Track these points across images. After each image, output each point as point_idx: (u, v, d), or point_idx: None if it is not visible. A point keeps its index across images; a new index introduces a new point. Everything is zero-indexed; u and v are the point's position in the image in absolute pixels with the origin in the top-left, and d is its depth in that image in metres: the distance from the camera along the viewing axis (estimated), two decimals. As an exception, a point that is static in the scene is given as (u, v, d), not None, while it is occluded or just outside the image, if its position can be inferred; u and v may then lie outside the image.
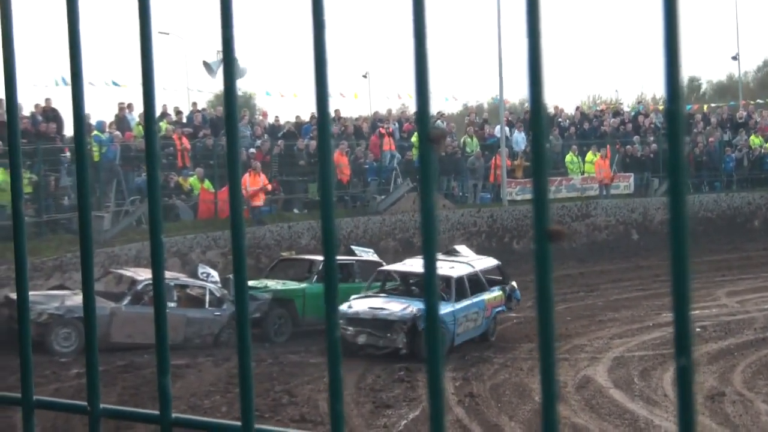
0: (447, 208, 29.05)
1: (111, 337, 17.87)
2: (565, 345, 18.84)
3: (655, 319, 21.45)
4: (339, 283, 1.59)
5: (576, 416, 14.69)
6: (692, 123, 35.10)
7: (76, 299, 18.37)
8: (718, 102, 46.37)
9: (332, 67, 1.54)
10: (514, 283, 20.83)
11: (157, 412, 1.71)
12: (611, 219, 32.27)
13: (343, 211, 27.47)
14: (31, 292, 2.11)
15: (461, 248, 22.10)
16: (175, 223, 24.43)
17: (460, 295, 19.08)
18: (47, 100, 25.88)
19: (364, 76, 48.86)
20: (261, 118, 32.89)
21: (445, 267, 19.29)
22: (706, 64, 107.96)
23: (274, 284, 20.85)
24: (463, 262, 20.42)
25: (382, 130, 30.54)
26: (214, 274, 20.74)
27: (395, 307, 18.73)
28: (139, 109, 28.06)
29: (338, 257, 1.61)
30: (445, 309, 18.12)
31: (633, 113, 38.39)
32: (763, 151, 35.82)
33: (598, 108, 42.86)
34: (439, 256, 20.14)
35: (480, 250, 24.07)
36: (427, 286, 1.41)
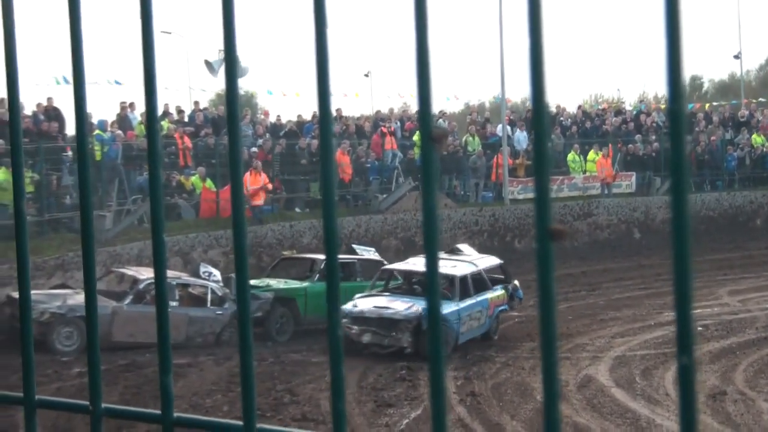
0: (449, 207, 29.05)
1: (113, 336, 17.88)
2: (567, 344, 18.83)
3: (656, 317, 21.45)
4: (341, 282, 1.58)
5: (578, 415, 14.68)
6: (694, 122, 35.10)
7: (78, 298, 18.38)
8: (720, 101, 46.35)
9: (334, 66, 1.54)
10: (516, 282, 20.82)
11: (158, 412, 1.71)
12: (613, 218, 32.26)
13: (345, 210, 27.48)
14: (32, 291, 2.11)
15: (464, 247, 22.08)
16: (177, 222, 24.44)
17: (464, 294, 19.08)
18: (49, 99, 25.90)
19: (366, 75, 48.94)
20: (263, 117, 32.93)
21: (449, 266, 19.29)
22: (708, 63, 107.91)
23: (275, 283, 20.85)
24: (466, 261, 20.41)
25: (384, 129, 30.54)
26: (216, 273, 20.75)
27: (400, 306, 18.73)
28: (141, 108, 28.07)
29: (340, 256, 1.61)
30: (449, 308, 18.14)
31: (635, 112, 38.38)
32: (765, 149, 35.80)
33: (600, 107, 42.85)
34: (442, 255, 20.20)
35: (482, 249, 24.07)
36: (430, 285, 1.41)
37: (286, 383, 16.29)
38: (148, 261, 21.66)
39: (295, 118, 31.69)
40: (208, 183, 26.00)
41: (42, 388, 13.37)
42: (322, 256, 21.84)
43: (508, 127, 32.23)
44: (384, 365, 17.54)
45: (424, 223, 1.41)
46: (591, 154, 32.90)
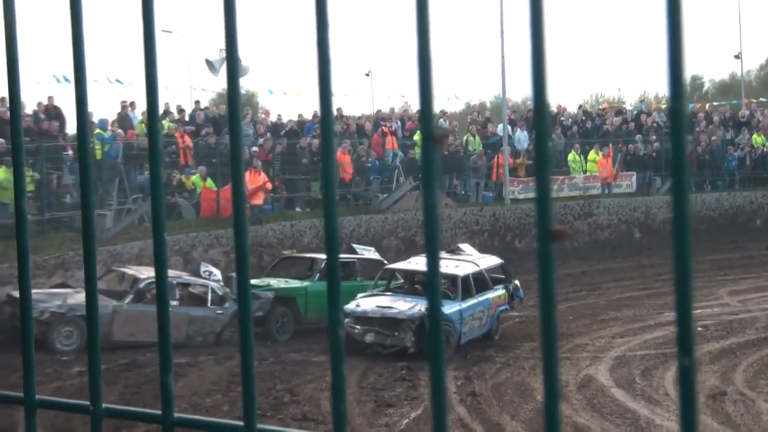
0: (449, 206, 29.05)
1: (113, 336, 17.89)
2: (567, 344, 18.83)
3: (657, 318, 21.45)
4: (341, 282, 1.58)
5: (577, 415, 14.69)
6: (695, 122, 35.08)
7: (78, 297, 18.37)
8: (720, 101, 46.34)
9: (335, 66, 1.54)
10: (516, 282, 20.82)
11: (159, 412, 1.71)
12: (613, 218, 32.25)
13: (346, 209, 27.47)
14: (33, 290, 2.11)
15: (465, 246, 22.08)
16: (178, 221, 24.44)
17: (466, 294, 19.08)
18: (50, 98, 25.90)
19: (367, 75, 48.93)
20: (263, 116, 32.92)
21: (451, 266, 19.29)
22: (708, 63, 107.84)
23: (276, 283, 20.85)
24: (467, 260, 20.41)
25: (385, 129, 30.54)
26: (217, 273, 20.75)
27: (403, 305, 18.73)
28: (141, 107, 28.07)
29: (340, 256, 1.61)
30: (451, 308, 18.16)
31: (636, 112, 38.38)
32: (765, 149, 35.78)
33: (600, 107, 42.84)
34: (444, 254, 20.18)
35: (482, 249, 24.07)
36: (431, 285, 1.41)
37: (287, 383, 16.29)
38: (148, 260, 21.66)
39: (295, 118, 31.69)
40: (209, 182, 25.99)
41: (41, 387, 13.39)
42: (322, 256, 22.01)
43: (509, 127, 32.22)
44: (384, 365, 17.54)
45: (425, 223, 1.41)
46: (591, 154, 32.89)
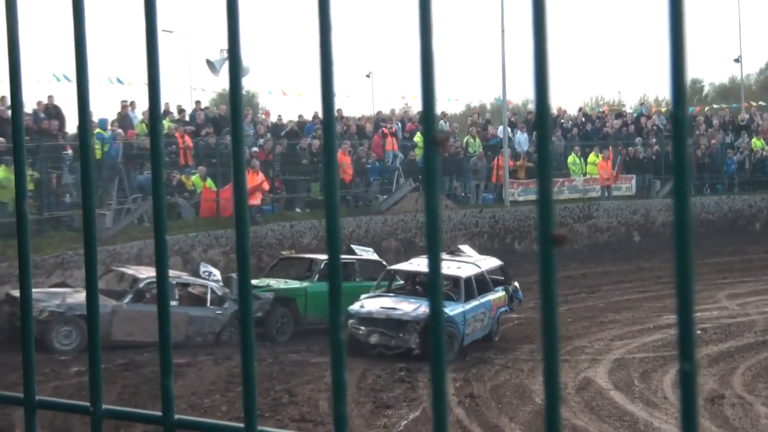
0: (449, 208, 29.05)
1: (112, 335, 17.88)
2: (566, 346, 18.82)
3: (655, 321, 21.45)
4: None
5: (576, 418, 14.68)
6: (694, 125, 35.09)
7: (77, 297, 18.37)
8: (720, 104, 46.36)
9: (336, 67, 1.54)
10: (516, 284, 20.82)
11: (159, 413, 1.71)
12: (613, 220, 32.25)
13: (346, 210, 27.47)
14: (32, 290, 2.10)
15: (465, 248, 22.08)
16: (177, 221, 24.43)
17: (468, 296, 19.08)
18: (50, 97, 25.90)
19: (368, 76, 49.01)
20: (264, 116, 32.93)
21: (453, 267, 19.29)
22: (708, 67, 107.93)
23: (275, 283, 20.85)
24: (469, 262, 20.42)
25: (385, 130, 30.54)
26: (216, 273, 20.74)
27: (407, 307, 18.73)
28: (141, 107, 28.10)
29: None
30: (455, 309, 18.17)
31: (635, 115, 38.42)
32: (765, 153, 35.80)
33: (600, 109, 42.87)
34: (444, 256, 20.10)
35: (482, 251, 24.06)
36: (432, 287, 1.41)
37: (285, 384, 16.29)
38: (147, 260, 21.65)
39: (296, 118, 31.70)
40: (209, 182, 25.99)
41: (40, 386, 13.37)
42: (321, 256, 22.04)
43: (509, 129, 32.23)
44: (383, 366, 17.53)
45: (427, 225, 1.41)
46: (591, 157, 32.91)
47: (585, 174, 32.81)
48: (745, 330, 20.61)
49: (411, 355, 18.02)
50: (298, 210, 27.70)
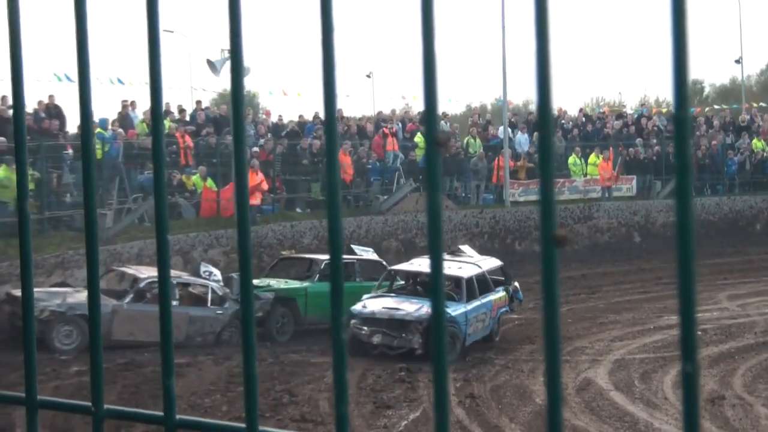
0: (449, 208, 29.03)
1: (112, 335, 17.88)
2: (567, 347, 18.82)
3: (656, 321, 21.45)
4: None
5: (576, 418, 14.68)
6: (695, 126, 35.08)
7: (78, 296, 18.38)
8: (720, 105, 46.36)
9: (338, 68, 1.54)
10: (516, 284, 20.83)
11: (161, 413, 1.71)
12: (613, 221, 32.25)
13: (346, 210, 27.46)
14: (33, 289, 2.10)
15: (465, 248, 22.08)
16: (178, 221, 24.44)
17: (470, 296, 19.09)
18: (50, 97, 25.90)
19: (368, 76, 49.02)
20: (264, 117, 32.93)
21: (454, 267, 19.29)
22: (709, 67, 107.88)
23: (276, 283, 20.85)
24: (469, 262, 20.43)
25: (386, 130, 30.55)
26: (217, 273, 20.75)
27: (409, 307, 18.73)
28: (142, 106, 28.11)
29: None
30: (457, 310, 18.17)
31: (636, 115, 38.42)
32: (765, 154, 35.80)
33: (601, 110, 42.87)
34: (444, 256, 20.07)
35: (482, 251, 24.07)
36: (434, 287, 1.41)
37: (285, 384, 16.28)
38: (148, 260, 21.66)
39: (296, 119, 31.70)
40: (209, 182, 26.00)
41: (40, 386, 13.34)
42: (321, 257, 22.05)
43: (510, 130, 32.22)
44: (383, 366, 17.53)
45: (428, 226, 1.41)
46: (592, 158, 32.91)
47: (585, 175, 32.82)
48: (745, 331, 20.61)
49: (413, 356, 18.02)
50: (298, 210, 27.70)
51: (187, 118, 28.97)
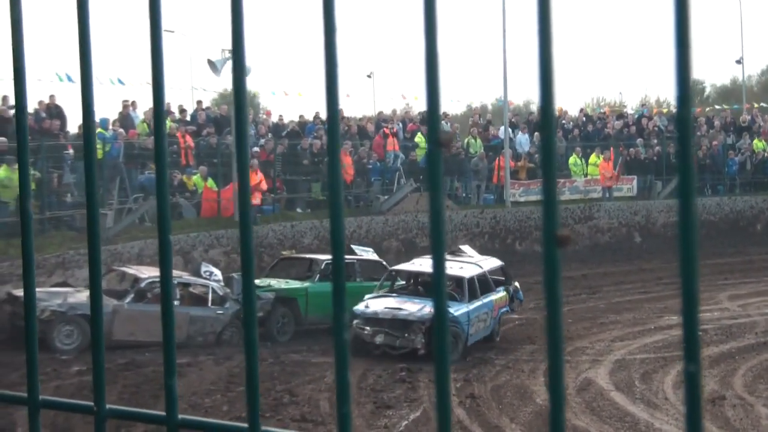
0: (450, 209, 29.02)
1: (113, 335, 17.86)
2: (567, 347, 18.82)
3: (656, 321, 21.45)
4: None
5: (577, 418, 14.68)
6: (696, 126, 35.05)
7: (79, 296, 18.38)
8: (721, 105, 46.36)
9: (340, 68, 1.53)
10: (516, 284, 20.83)
11: (163, 413, 1.71)
12: (614, 221, 32.25)
13: (347, 210, 27.45)
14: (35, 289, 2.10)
15: (465, 248, 22.09)
16: (179, 221, 24.44)
17: (472, 296, 19.10)
18: (51, 97, 25.89)
19: (369, 76, 49.01)
20: (265, 117, 32.93)
21: (455, 267, 19.30)
22: (710, 68, 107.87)
23: (276, 283, 20.84)
24: (471, 262, 20.43)
25: (386, 131, 30.55)
26: (217, 273, 20.75)
27: (412, 307, 18.73)
28: (143, 106, 28.11)
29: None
30: (459, 310, 18.17)
31: (637, 116, 38.41)
32: (766, 154, 35.80)
33: (602, 110, 42.87)
34: (446, 256, 20.04)
35: (482, 251, 24.07)
36: (437, 287, 1.41)
37: (286, 383, 16.28)
38: (149, 260, 21.67)
39: (297, 119, 31.70)
40: (210, 182, 26.00)
41: (40, 386, 13.34)
42: (321, 257, 22.04)
43: (510, 130, 32.22)
44: (383, 366, 17.53)
45: (431, 226, 1.41)
46: (593, 158, 32.92)
47: (586, 175, 32.82)
48: (746, 331, 20.60)
49: (416, 356, 18.02)
50: (299, 210, 27.71)
51: (188, 118, 28.98)
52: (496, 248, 27.95)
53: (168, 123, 26.33)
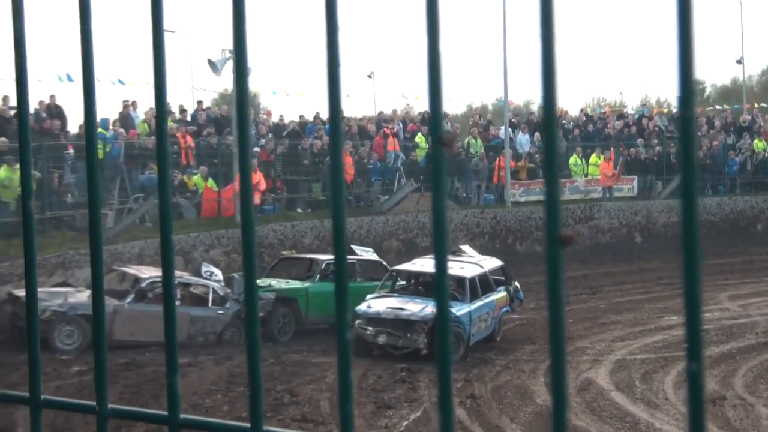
0: (450, 209, 29.01)
1: (114, 335, 17.86)
2: (568, 347, 18.54)
3: (657, 321, 21.44)
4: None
5: (577, 419, 14.67)
6: (696, 126, 34.93)
7: (79, 296, 18.39)
8: (722, 105, 46.37)
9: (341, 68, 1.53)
10: (517, 284, 20.83)
11: (165, 413, 1.71)
12: (614, 221, 32.24)
13: (347, 210, 27.34)
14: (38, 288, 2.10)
15: (466, 248, 22.10)
16: (179, 221, 24.44)
17: (473, 296, 19.10)
18: (52, 97, 25.90)
19: (369, 76, 49.01)
20: (265, 117, 32.94)
21: (456, 267, 19.30)
22: (710, 68, 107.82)
23: (277, 283, 20.85)
24: (471, 262, 20.44)
25: (387, 131, 30.55)
26: (218, 273, 20.75)
27: (414, 307, 18.73)
28: (143, 107, 28.11)
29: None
30: (461, 310, 18.18)
31: (637, 116, 38.40)
32: (766, 154, 35.79)
33: (602, 110, 42.87)
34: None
35: (483, 251, 24.07)
36: (439, 287, 1.41)
37: (287, 383, 16.29)
38: (149, 260, 21.67)
39: (297, 119, 31.70)
40: (210, 182, 26.00)
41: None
42: (321, 257, 22.04)
43: (510, 130, 32.22)
44: (384, 366, 17.53)
45: (433, 225, 1.41)
46: (593, 158, 32.91)
47: (586, 175, 32.82)
48: (746, 331, 20.60)
49: (418, 356, 18.03)
50: (299, 210, 27.71)
51: (188, 118, 28.97)
52: (496, 248, 27.96)
53: (168, 123, 26.44)
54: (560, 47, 1.34)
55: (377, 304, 18.99)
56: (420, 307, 18.61)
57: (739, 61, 45.72)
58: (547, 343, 1.36)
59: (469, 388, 16.39)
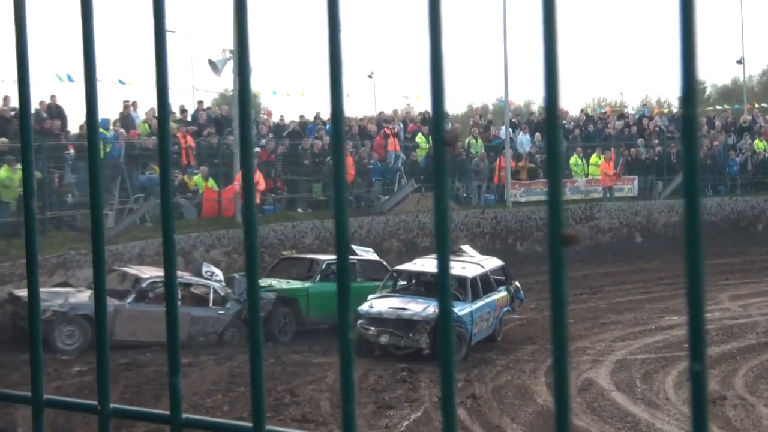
0: (451, 209, 28.87)
1: (114, 335, 17.86)
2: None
3: (657, 322, 21.44)
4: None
5: (578, 419, 14.67)
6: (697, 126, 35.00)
7: (80, 296, 18.39)
8: (722, 105, 46.37)
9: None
10: (517, 284, 20.84)
11: (166, 412, 1.71)
12: (615, 222, 32.25)
13: (347, 210, 27.44)
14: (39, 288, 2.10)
15: (466, 248, 22.10)
16: (179, 221, 24.44)
17: (474, 296, 19.11)
18: (52, 97, 25.89)
19: (370, 77, 49.01)
20: (266, 117, 32.94)
21: (458, 267, 19.31)
22: (710, 68, 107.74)
23: (277, 283, 20.85)
24: (472, 262, 20.45)
25: (387, 131, 30.56)
26: (218, 273, 20.75)
27: (416, 307, 18.74)
28: (143, 107, 28.11)
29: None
30: (463, 309, 18.18)
31: (638, 116, 38.40)
32: (767, 155, 35.78)
33: (602, 110, 42.86)
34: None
35: (483, 251, 24.07)
36: (441, 287, 1.41)
37: (287, 384, 16.29)
38: (150, 260, 21.67)
39: (298, 119, 31.71)
40: (211, 182, 26.00)
41: (43, 385, 13.32)
42: (322, 257, 22.05)
43: (511, 130, 32.23)
44: (384, 366, 17.54)
45: (435, 225, 1.42)
46: (593, 158, 32.91)
47: (587, 175, 32.82)
48: (747, 331, 20.60)
49: (420, 355, 18.03)
50: (299, 210, 27.71)
51: (189, 119, 28.97)
52: (497, 248, 27.96)
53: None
54: (561, 47, 1.34)
55: (379, 304, 18.99)
56: (422, 307, 18.62)
57: (739, 62, 45.75)
58: (548, 343, 1.36)
59: (469, 388, 16.40)
